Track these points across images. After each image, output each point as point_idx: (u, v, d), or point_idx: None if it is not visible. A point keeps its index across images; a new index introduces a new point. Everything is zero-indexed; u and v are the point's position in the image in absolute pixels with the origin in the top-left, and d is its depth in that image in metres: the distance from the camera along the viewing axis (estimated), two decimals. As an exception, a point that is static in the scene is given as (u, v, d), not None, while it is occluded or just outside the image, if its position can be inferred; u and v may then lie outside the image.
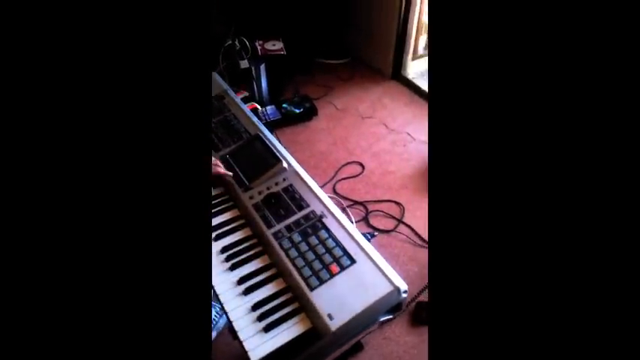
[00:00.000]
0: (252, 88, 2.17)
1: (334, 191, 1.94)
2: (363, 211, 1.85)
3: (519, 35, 0.47)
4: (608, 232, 0.45)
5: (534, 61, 0.47)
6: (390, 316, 0.81)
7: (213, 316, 1.42)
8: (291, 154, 1.06)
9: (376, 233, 1.67)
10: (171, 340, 0.48)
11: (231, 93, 1.31)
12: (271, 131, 1.08)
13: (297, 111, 2.27)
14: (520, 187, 0.47)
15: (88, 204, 0.46)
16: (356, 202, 1.89)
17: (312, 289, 0.78)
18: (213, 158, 1.05)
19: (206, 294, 0.53)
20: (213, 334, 1.41)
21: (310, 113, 2.31)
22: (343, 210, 1.85)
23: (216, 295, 0.82)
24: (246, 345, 0.74)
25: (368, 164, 2.07)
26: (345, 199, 1.91)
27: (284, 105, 2.29)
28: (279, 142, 1.07)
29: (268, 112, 2.22)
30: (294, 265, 0.83)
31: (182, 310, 0.48)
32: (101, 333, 0.46)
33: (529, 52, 0.47)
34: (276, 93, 2.40)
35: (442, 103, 0.51)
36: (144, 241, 0.47)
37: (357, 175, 2.03)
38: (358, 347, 1.39)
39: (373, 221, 1.79)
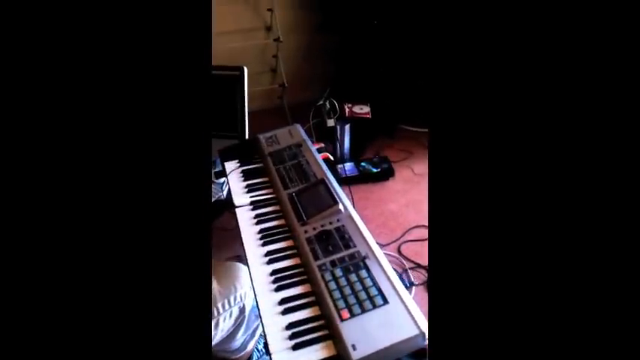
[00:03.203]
0: (335, 145, 2.34)
1: (399, 251, 1.96)
2: (425, 275, 1.84)
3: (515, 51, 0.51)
4: (608, 232, 0.45)
5: (533, 69, 0.50)
6: (415, 363, 0.82)
7: (257, 352, 1.49)
8: (362, 210, 1.14)
9: (416, 283, 1.65)
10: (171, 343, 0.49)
11: (309, 142, 1.47)
12: (340, 184, 1.18)
13: (375, 170, 2.38)
14: (520, 194, 0.49)
15: (88, 208, 0.49)
16: (419, 266, 1.88)
17: (342, 320, 0.84)
18: None
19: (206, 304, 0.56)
20: (258, 366, 1.47)
21: (387, 174, 2.40)
22: (404, 271, 1.86)
23: (259, 311, 0.91)
24: (274, 357, 0.80)
25: (437, 230, 2.07)
26: (409, 260, 1.91)
27: (362, 164, 2.42)
28: (351, 196, 1.15)
29: (346, 168, 2.36)
30: (331, 296, 0.89)
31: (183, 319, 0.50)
32: (99, 334, 0.47)
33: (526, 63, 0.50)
34: (357, 152, 2.55)
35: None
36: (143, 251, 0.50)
37: (424, 239, 2.03)
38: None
39: (434, 286, 1.76)
